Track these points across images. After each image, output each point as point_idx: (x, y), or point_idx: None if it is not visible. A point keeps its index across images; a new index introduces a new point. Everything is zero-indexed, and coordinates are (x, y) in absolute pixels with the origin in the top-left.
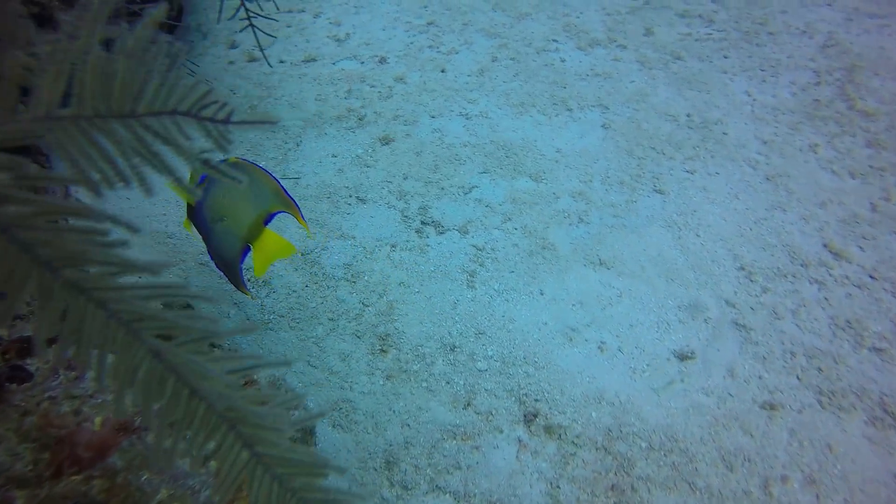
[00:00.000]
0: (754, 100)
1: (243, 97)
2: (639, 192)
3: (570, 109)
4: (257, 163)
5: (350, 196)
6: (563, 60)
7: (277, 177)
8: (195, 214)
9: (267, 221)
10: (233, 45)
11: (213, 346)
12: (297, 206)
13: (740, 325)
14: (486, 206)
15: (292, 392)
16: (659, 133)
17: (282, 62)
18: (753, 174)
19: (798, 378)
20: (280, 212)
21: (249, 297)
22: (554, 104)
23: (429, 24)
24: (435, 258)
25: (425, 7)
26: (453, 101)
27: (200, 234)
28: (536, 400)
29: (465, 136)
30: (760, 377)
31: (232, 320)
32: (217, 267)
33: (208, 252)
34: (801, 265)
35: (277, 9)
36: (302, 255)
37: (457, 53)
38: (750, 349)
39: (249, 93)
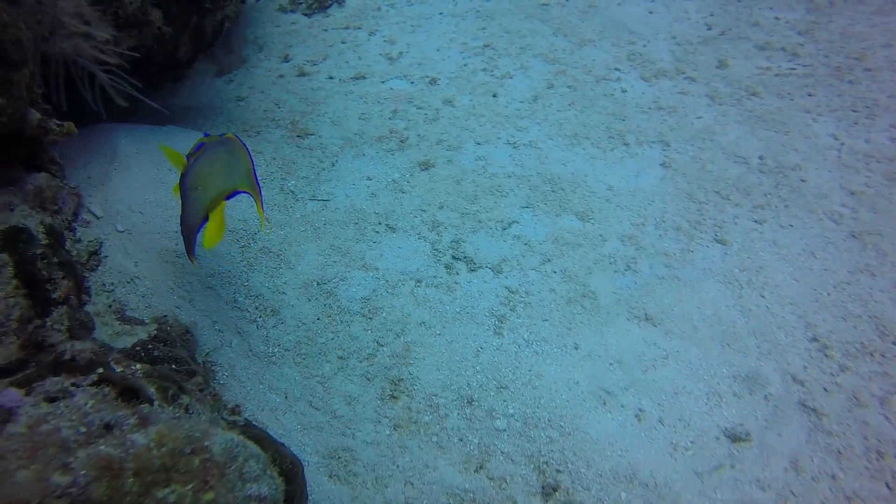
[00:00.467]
0: (842, 144)
1: (287, 112)
2: (697, 241)
3: (627, 144)
4: (245, 143)
5: (379, 223)
6: (624, 91)
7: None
8: (181, 182)
9: (229, 197)
10: (286, 59)
11: (181, 390)
12: (259, 191)
13: (809, 408)
14: (525, 245)
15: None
16: (725, 176)
17: (331, 78)
18: (836, 229)
19: (888, 487)
20: (243, 192)
21: (193, 263)
22: (610, 137)
23: (485, 46)
24: (462, 298)
25: (483, 29)
26: (502, 128)
27: (181, 201)
28: (558, 470)
29: (510, 165)
30: (834, 477)
31: (233, 350)
32: (181, 233)
33: (180, 218)
34: (893, 343)
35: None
36: (318, 283)
37: (511, 78)
38: (821, 439)
39: (294, 107)
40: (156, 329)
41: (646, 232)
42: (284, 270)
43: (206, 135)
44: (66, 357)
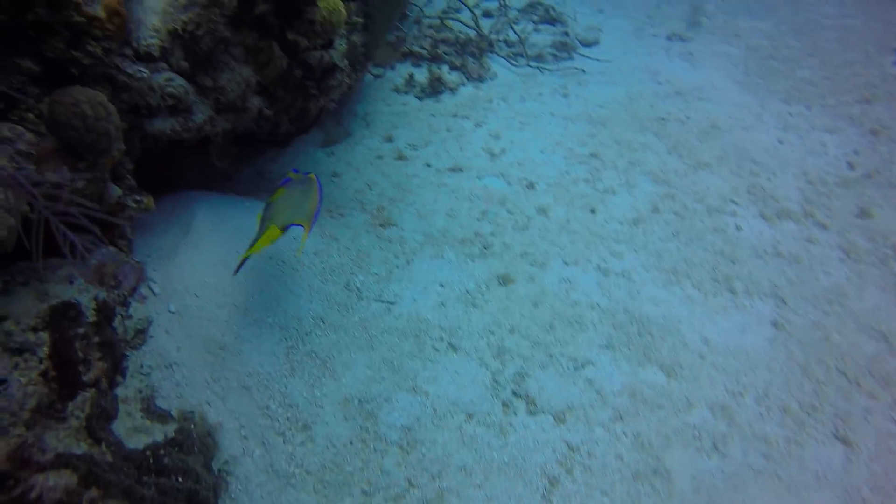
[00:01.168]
0: None
1: (376, 195)
2: (810, 433)
3: (733, 292)
4: (321, 185)
5: (441, 339)
6: (738, 228)
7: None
8: (264, 211)
9: (286, 228)
10: (388, 139)
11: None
12: (312, 224)
13: None
14: (597, 393)
15: None
16: (856, 353)
17: (428, 166)
18: None
19: None
20: (299, 225)
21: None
22: (714, 280)
23: (592, 155)
24: (514, 446)
25: (593, 136)
26: (594, 250)
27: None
28: None
29: (596, 294)
30: None
31: (254, 462)
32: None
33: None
34: None
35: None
36: (360, 401)
37: (614, 194)
38: None
39: (384, 192)
40: (175, 429)
41: (743, 406)
42: (327, 380)
43: (295, 171)
44: (32, 496)
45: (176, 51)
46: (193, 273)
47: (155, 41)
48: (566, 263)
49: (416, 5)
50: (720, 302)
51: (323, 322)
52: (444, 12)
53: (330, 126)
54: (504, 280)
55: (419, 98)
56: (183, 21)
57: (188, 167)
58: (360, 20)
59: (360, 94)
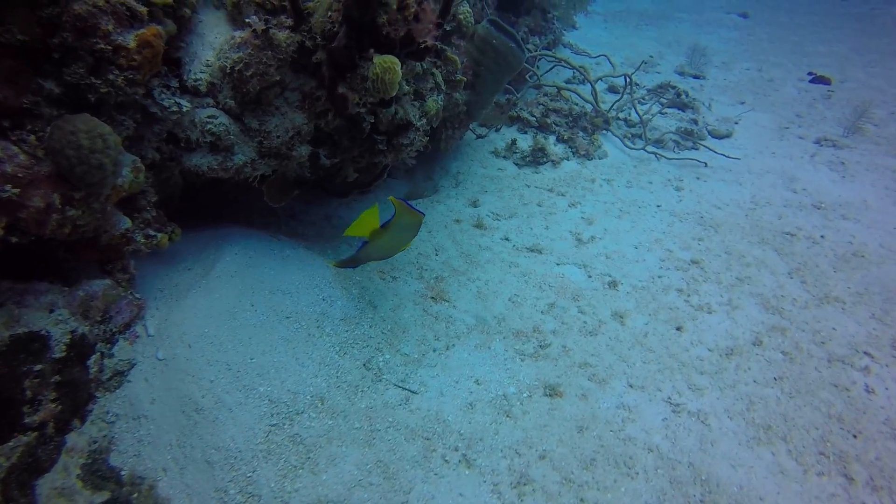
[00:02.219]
0: None
1: (439, 263)
2: None
3: (849, 478)
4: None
5: (456, 449)
6: (868, 392)
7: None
8: (371, 235)
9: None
10: (473, 204)
11: None
12: (404, 204)
13: None
14: None
15: None
16: None
17: (506, 240)
18: None
19: None
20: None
21: (328, 263)
22: (822, 455)
23: (693, 261)
24: None
25: (700, 240)
26: (669, 377)
27: (366, 243)
28: None
29: (657, 435)
30: None
31: None
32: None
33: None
34: None
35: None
36: None
37: (709, 313)
38: None
39: (449, 261)
40: (107, 500)
41: None
42: (304, 474)
43: (399, 197)
44: None
45: (225, 89)
46: (195, 320)
47: (204, 76)
48: (631, 386)
49: (535, 72)
50: (826, 487)
51: (321, 402)
52: (568, 81)
53: (419, 179)
54: (552, 391)
55: (517, 165)
56: (233, 59)
57: (253, 198)
58: (464, 78)
59: (457, 152)
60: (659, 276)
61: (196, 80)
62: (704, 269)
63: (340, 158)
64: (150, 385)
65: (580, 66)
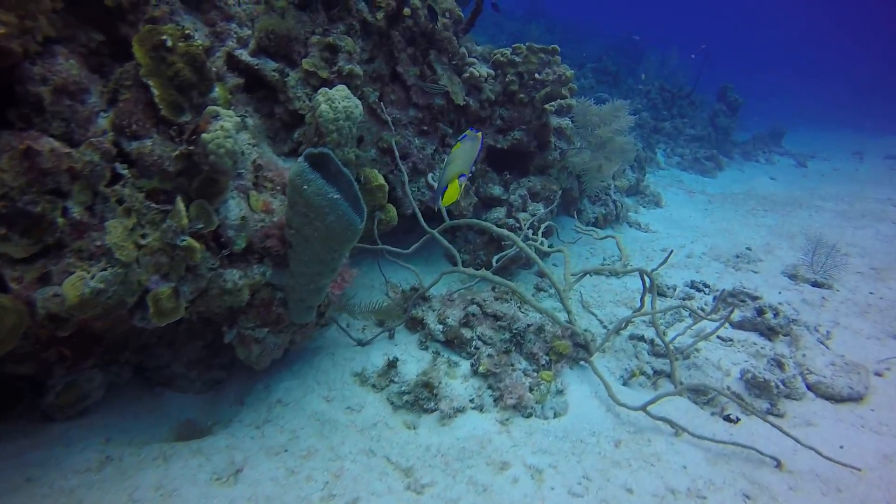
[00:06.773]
0: None
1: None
2: None
3: None
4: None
5: None
6: None
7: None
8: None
9: (461, 177)
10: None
11: None
12: (468, 173)
13: None
14: None
15: None
16: None
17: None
18: None
19: None
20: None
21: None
22: None
23: None
24: None
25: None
26: None
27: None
28: None
29: None
30: None
31: None
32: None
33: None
34: None
35: None
36: None
37: None
38: None
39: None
40: None
41: None
42: None
43: (473, 129)
44: None
45: None
46: None
47: None
48: None
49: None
50: None
51: None
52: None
53: (225, 397)
54: None
55: (393, 405)
56: None
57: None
58: None
59: (302, 363)
60: None
61: None
62: None
63: None
64: None
65: (515, 234)
